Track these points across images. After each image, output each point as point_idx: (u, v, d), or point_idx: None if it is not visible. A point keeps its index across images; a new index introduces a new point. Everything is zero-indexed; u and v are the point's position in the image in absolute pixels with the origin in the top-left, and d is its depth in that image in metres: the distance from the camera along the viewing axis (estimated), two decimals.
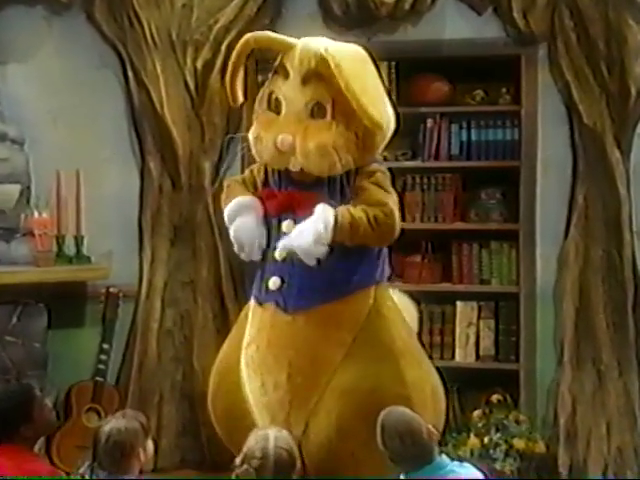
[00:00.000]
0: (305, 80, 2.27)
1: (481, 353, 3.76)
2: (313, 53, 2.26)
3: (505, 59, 3.61)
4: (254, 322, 2.36)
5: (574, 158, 3.62)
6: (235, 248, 2.38)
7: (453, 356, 3.75)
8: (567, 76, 3.55)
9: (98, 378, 3.66)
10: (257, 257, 2.25)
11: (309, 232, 2.19)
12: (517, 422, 3.44)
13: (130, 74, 3.76)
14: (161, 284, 3.80)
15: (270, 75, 2.32)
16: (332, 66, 2.19)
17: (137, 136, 3.81)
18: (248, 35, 2.30)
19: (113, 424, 2.33)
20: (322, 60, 2.23)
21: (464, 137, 3.75)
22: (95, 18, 3.73)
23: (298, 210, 2.31)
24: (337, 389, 2.28)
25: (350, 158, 2.29)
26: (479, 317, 3.77)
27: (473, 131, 3.74)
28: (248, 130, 3.64)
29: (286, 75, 2.28)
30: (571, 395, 3.59)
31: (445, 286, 3.80)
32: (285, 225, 2.33)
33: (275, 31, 3.61)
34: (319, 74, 2.27)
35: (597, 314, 3.58)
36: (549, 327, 3.68)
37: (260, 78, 3.64)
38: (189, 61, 3.71)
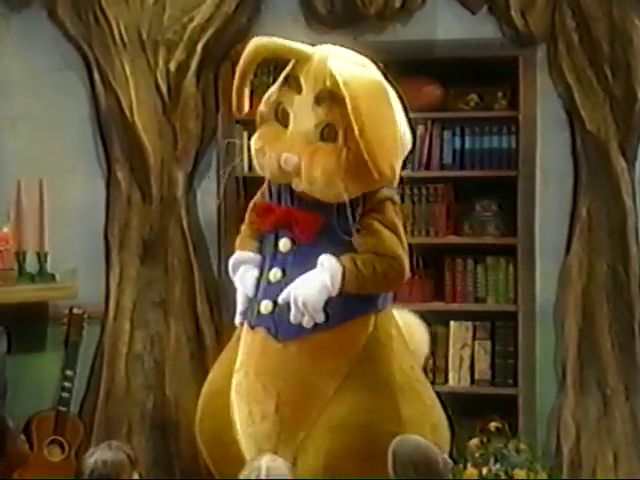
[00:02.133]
0: (319, 100, 2.24)
1: (476, 377, 3.75)
2: (329, 73, 2.22)
3: (501, 61, 3.61)
4: (245, 346, 2.34)
5: (576, 167, 3.62)
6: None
7: (446, 380, 3.74)
8: (568, 79, 3.55)
9: (61, 408, 3.60)
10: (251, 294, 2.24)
11: (314, 285, 2.15)
12: (517, 451, 3.42)
13: (96, 76, 3.73)
14: (130, 304, 3.77)
15: (280, 82, 2.25)
16: (349, 106, 2.13)
17: (104, 143, 3.78)
18: (258, 42, 2.25)
19: (98, 456, 2.32)
20: (338, 83, 2.19)
21: (457, 145, 3.74)
22: (57, 15, 3.70)
23: (297, 229, 2.28)
24: (327, 424, 2.25)
25: (358, 187, 2.27)
26: (474, 338, 3.76)
27: (467, 138, 3.74)
28: (224, 137, 3.73)
29: (298, 89, 2.25)
30: (574, 422, 3.60)
31: (437, 305, 3.79)
32: (282, 243, 2.30)
33: (253, 30, 3.68)
34: (334, 95, 2.23)
35: (602, 334, 3.58)
36: (549, 349, 3.67)
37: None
38: (161, 62, 3.68)
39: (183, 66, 3.67)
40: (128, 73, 3.68)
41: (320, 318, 2.16)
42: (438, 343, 3.74)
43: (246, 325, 2.37)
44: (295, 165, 2.22)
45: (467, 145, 3.74)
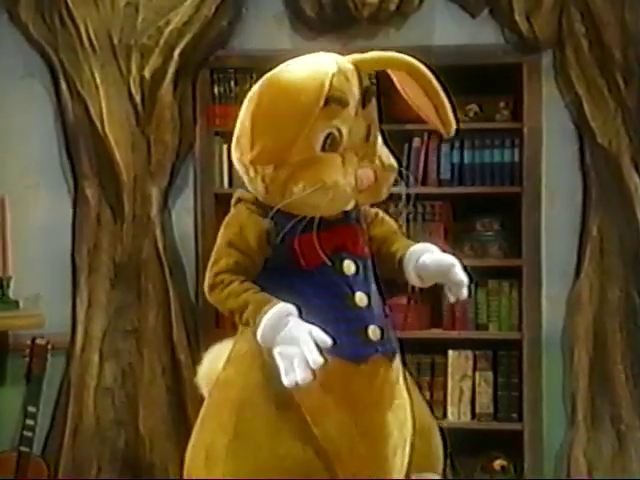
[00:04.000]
0: (364, 102, 2.16)
1: (477, 411, 3.73)
2: (360, 69, 2.14)
3: (503, 69, 3.60)
4: (358, 385, 2.16)
5: (585, 183, 3.62)
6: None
7: (445, 415, 3.72)
8: (577, 88, 3.55)
9: (23, 448, 3.56)
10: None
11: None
12: None
13: (62, 84, 3.71)
14: (99, 333, 3.75)
15: (315, 111, 2.09)
16: (419, 76, 2.11)
17: (70, 158, 3.77)
18: (326, 68, 2.05)
19: None
20: (371, 80, 2.17)
21: (456, 159, 3.72)
22: (19, 18, 3.69)
23: (354, 246, 2.21)
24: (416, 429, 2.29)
25: None
26: (475, 369, 3.75)
27: (466, 152, 3.72)
28: (202, 152, 3.76)
29: (345, 103, 2.13)
30: (586, 460, 3.58)
31: (435, 332, 3.77)
32: (347, 266, 2.19)
33: (233, 35, 3.69)
34: (372, 92, 2.18)
35: (614, 365, 3.57)
36: (557, 380, 3.66)
37: (217, 89, 3.73)
38: (134, 69, 3.66)
39: (158, 73, 3.65)
40: (98, 81, 3.66)
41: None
42: (436, 374, 3.73)
43: (334, 366, 2.11)
44: (371, 179, 2.13)
45: (466, 159, 3.72)
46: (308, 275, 2.19)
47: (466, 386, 3.73)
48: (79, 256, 3.75)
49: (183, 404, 3.66)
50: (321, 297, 2.18)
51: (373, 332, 2.17)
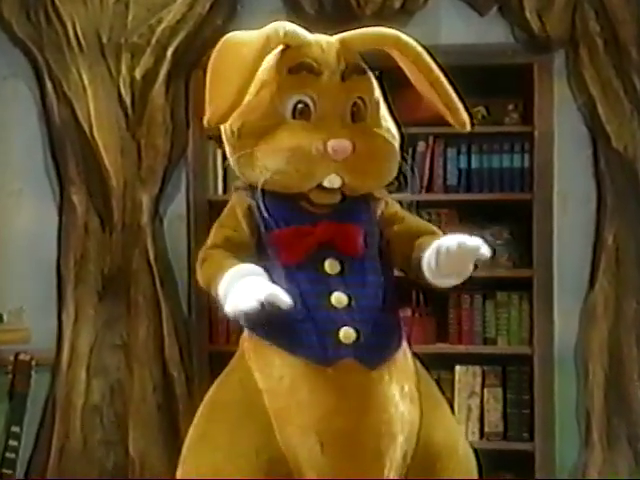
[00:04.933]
0: (346, 75, 2.19)
1: (486, 430, 3.72)
2: (345, 47, 2.19)
3: (513, 69, 3.58)
4: (324, 389, 2.17)
5: (599, 190, 3.61)
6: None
7: None
8: (591, 90, 3.54)
9: (5, 470, 3.50)
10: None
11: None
12: None
13: (48, 85, 3.70)
14: (86, 348, 3.73)
15: (278, 80, 2.14)
16: (413, 56, 2.14)
17: (56, 163, 3.76)
18: (277, 26, 2.11)
19: None
20: (356, 57, 2.19)
21: (463, 164, 3.71)
22: (2, 16, 3.69)
23: (345, 245, 2.19)
24: (429, 451, 2.23)
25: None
26: (483, 385, 3.73)
27: (474, 157, 3.71)
28: (195, 157, 3.75)
29: (317, 71, 2.17)
30: None
31: (441, 347, 3.76)
32: (329, 265, 2.18)
33: (229, 32, 3.70)
34: (360, 68, 2.22)
35: (631, 381, 3.56)
36: (571, 397, 3.65)
37: None
38: (124, 70, 3.66)
39: (150, 74, 3.65)
40: (86, 82, 3.66)
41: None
42: (442, 390, 3.66)
43: (298, 364, 2.17)
44: (347, 150, 2.12)
45: (474, 164, 3.71)
46: (289, 271, 2.19)
47: (474, 404, 3.72)
48: (65, 267, 3.74)
49: (175, 423, 3.63)
50: (297, 294, 2.16)
51: (345, 335, 2.15)
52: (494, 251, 3.63)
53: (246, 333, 2.25)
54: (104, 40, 3.65)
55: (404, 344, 2.26)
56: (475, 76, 3.51)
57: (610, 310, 3.59)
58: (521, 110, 3.70)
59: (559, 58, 3.59)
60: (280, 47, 2.13)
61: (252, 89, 2.14)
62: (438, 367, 3.71)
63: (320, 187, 2.15)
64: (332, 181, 2.14)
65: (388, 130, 2.21)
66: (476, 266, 2.12)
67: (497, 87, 3.62)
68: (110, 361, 3.73)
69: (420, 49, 2.14)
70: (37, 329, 3.67)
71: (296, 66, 2.14)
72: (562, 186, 3.62)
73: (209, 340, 3.75)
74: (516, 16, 3.56)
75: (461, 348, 3.73)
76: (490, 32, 3.62)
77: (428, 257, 2.09)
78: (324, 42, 2.17)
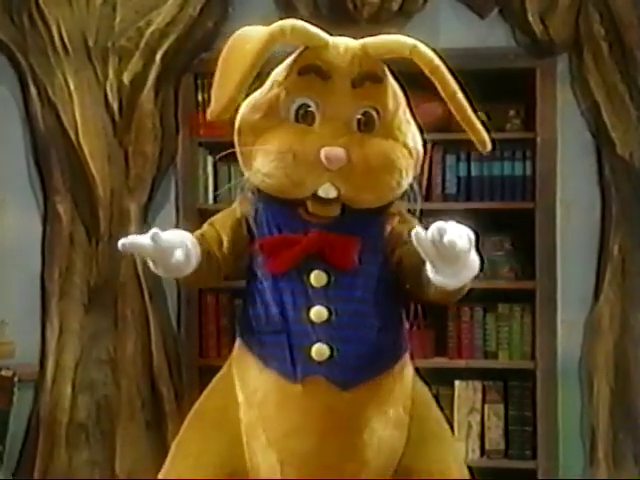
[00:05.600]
0: (357, 82, 2.17)
1: (487, 447, 3.71)
2: (366, 51, 2.17)
3: (515, 74, 3.58)
4: (290, 406, 2.18)
5: (604, 198, 3.61)
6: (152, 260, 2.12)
7: None
8: (595, 95, 3.54)
9: None
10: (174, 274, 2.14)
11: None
12: None
13: (32, 91, 3.70)
14: (71, 363, 3.73)
15: (287, 81, 2.14)
16: (431, 69, 2.11)
17: (40, 171, 3.75)
18: (283, 23, 2.13)
19: None
20: (376, 63, 2.17)
21: (462, 172, 3.70)
22: None
23: (335, 257, 2.16)
24: (412, 476, 2.23)
25: (408, 180, 2.20)
26: (484, 401, 3.73)
27: (474, 164, 3.69)
28: (185, 164, 3.73)
29: (325, 76, 2.15)
30: None
31: (440, 361, 3.75)
32: (315, 277, 2.17)
33: (219, 36, 3.65)
34: (374, 76, 2.18)
35: (638, 396, 3.57)
36: (575, 414, 3.64)
37: (201, 96, 3.71)
38: (112, 74, 3.66)
39: (138, 78, 3.64)
40: (71, 87, 3.65)
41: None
42: (441, 407, 3.62)
43: (271, 378, 2.19)
44: (342, 159, 2.09)
45: (474, 172, 3.69)
46: (275, 279, 2.20)
47: (474, 420, 3.71)
48: (50, 279, 3.74)
49: (164, 441, 3.58)
50: (278, 305, 2.18)
51: (318, 351, 2.14)
52: (495, 262, 3.71)
53: (237, 341, 2.26)
54: (90, 43, 3.65)
55: (400, 365, 2.23)
56: (475, 81, 3.47)
57: (616, 323, 3.58)
58: (523, 116, 3.69)
59: (562, 62, 3.60)
60: (301, 47, 2.14)
61: (265, 86, 2.16)
62: (437, 382, 3.68)
63: (316, 197, 2.12)
64: (327, 191, 2.11)
65: (403, 143, 2.17)
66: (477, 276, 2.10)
67: (498, 92, 3.57)
68: (96, 377, 3.73)
69: (438, 62, 2.11)
70: (20, 343, 3.67)
71: (305, 67, 2.13)
72: (565, 194, 3.61)
73: (199, 354, 3.73)
74: (518, 19, 3.56)
75: (461, 362, 3.71)
76: (491, 35, 3.62)
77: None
78: (342, 45, 2.15)
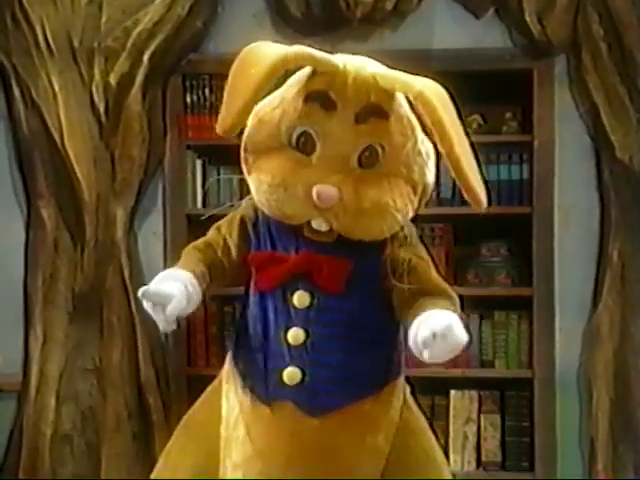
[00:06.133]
0: (361, 117, 2.14)
1: (483, 459, 3.72)
2: (374, 85, 2.13)
3: (511, 75, 3.57)
4: (258, 428, 2.20)
5: (603, 203, 3.61)
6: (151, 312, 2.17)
7: None
8: (594, 97, 3.54)
9: None
10: (172, 326, 2.14)
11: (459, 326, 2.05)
12: None
13: (16, 92, 3.69)
14: (56, 373, 3.72)
15: (296, 100, 2.14)
16: (430, 120, 2.06)
17: (23, 175, 3.74)
18: (287, 52, 2.10)
19: None
20: (386, 96, 2.14)
21: None
22: None
23: (322, 279, 2.17)
24: None
25: (405, 220, 2.19)
26: (480, 411, 3.74)
27: None
28: (173, 168, 3.73)
29: (329, 106, 2.14)
30: None
31: (434, 370, 3.57)
32: (298, 298, 2.17)
33: (209, 36, 3.69)
34: (381, 111, 2.15)
35: (638, 407, 3.56)
36: (574, 424, 3.64)
37: (189, 98, 3.72)
38: (98, 75, 3.64)
39: (125, 79, 3.63)
40: (56, 88, 3.64)
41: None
42: (436, 417, 3.70)
43: (249, 401, 2.22)
44: (333, 198, 2.09)
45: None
46: (262, 295, 2.22)
47: (470, 431, 3.72)
48: (33, 286, 3.73)
49: (152, 453, 3.57)
50: (261, 321, 2.20)
51: (289, 375, 2.14)
52: (491, 269, 3.71)
53: (229, 352, 2.27)
54: (76, 44, 3.63)
55: (387, 392, 2.21)
56: (471, 83, 3.49)
57: (615, 330, 3.58)
58: (520, 119, 3.70)
59: (560, 63, 3.60)
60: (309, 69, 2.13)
61: (276, 98, 2.16)
62: (432, 392, 3.73)
63: (310, 226, 2.14)
64: (319, 224, 2.13)
65: (407, 179, 2.14)
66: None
67: (494, 94, 3.60)
68: (81, 387, 3.71)
69: (441, 114, 2.05)
70: (3, 353, 3.62)
71: (311, 95, 2.12)
72: (563, 199, 3.61)
73: (187, 363, 3.73)
74: (514, 19, 3.56)
75: (456, 371, 3.70)
76: (487, 36, 3.62)
77: (413, 334, 2.04)
78: (352, 73, 2.12)
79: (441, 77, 3.43)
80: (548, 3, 3.51)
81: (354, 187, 2.09)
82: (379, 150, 2.12)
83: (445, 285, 2.21)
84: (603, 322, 3.59)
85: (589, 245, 3.63)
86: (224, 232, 2.27)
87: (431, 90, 2.08)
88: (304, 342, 2.14)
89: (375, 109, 2.12)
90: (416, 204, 2.18)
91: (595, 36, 3.52)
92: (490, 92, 3.59)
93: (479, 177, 2.19)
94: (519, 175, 3.67)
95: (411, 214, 2.19)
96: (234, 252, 2.24)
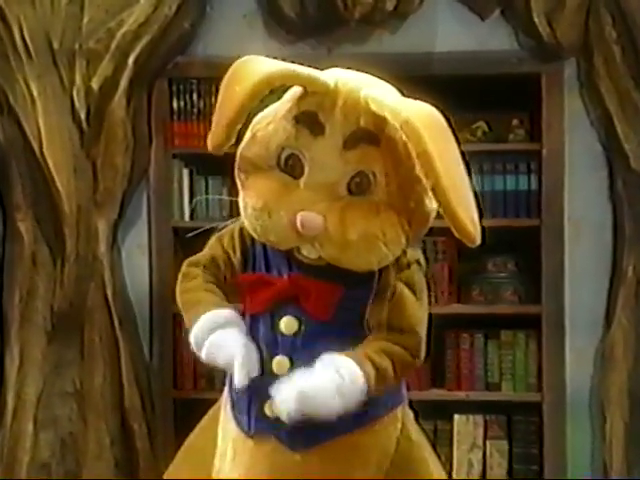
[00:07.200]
0: (349, 143, 2.13)
1: None
2: (365, 109, 2.11)
3: (518, 80, 3.56)
4: (241, 460, 2.23)
5: (615, 216, 3.61)
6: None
7: None
8: (606, 103, 3.54)
9: None
10: (245, 381, 2.18)
11: (328, 394, 2.04)
12: None
13: None
14: (33, 397, 3.71)
15: (285, 121, 2.15)
16: (416, 151, 2.02)
17: None
18: (271, 71, 2.12)
19: None
20: (376, 121, 2.11)
21: None
22: None
23: (310, 304, 2.17)
24: None
25: (398, 252, 2.17)
26: (485, 437, 3.74)
27: (474, 178, 3.53)
28: (158, 178, 3.73)
29: (317, 130, 2.14)
30: None
31: (437, 393, 3.76)
32: (285, 324, 2.18)
33: (197, 38, 3.69)
34: (371, 137, 2.13)
35: None
36: (585, 451, 3.64)
37: (176, 103, 3.72)
38: (79, 79, 3.64)
39: (108, 84, 3.63)
40: (34, 93, 3.63)
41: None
42: (439, 443, 3.70)
43: (237, 431, 2.24)
44: (318, 227, 2.09)
45: (474, 186, 3.69)
46: (253, 318, 2.23)
47: (475, 458, 3.72)
48: (9, 304, 3.73)
49: None
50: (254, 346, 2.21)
51: (270, 407, 2.14)
52: (497, 285, 3.70)
53: (227, 377, 2.27)
54: (55, 45, 3.63)
55: (382, 422, 2.21)
56: (475, 87, 3.53)
57: (630, 351, 3.58)
58: (527, 126, 3.71)
59: (570, 67, 3.60)
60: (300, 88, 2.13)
61: (270, 114, 2.16)
62: (434, 416, 3.73)
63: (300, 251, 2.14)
64: (309, 250, 2.13)
65: (400, 209, 2.11)
66: None
67: (500, 100, 3.61)
68: (61, 412, 3.72)
69: (427, 146, 2.01)
70: None
71: (300, 116, 2.12)
72: (574, 211, 3.62)
73: (173, 386, 3.72)
74: (522, 20, 3.56)
75: (460, 395, 3.73)
76: (492, 38, 3.62)
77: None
78: (343, 94, 2.10)
79: (444, 82, 3.46)
80: (558, 3, 3.51)
81: (340, 216, 2.07)
82: (370, 177, 2.09)
83: (413, 327, 2.19)
84: (617, 342, 3.59)
85: (601, 260, 3.63)
86: (227, 246, 2.28)
87: (420, 118, 2.03)
88: (288, 371, 2.13)
89: (365, 134, 2.10)
90: (412, 234, 2.16)
91: (607, 38, 3.52)
92: (496, 98, 3.60)
93: (473, 211, 2.16)
94: (527, 186, 3.67)
95: (405, 245, 2.16)
96: (237, 269, 2.26)
